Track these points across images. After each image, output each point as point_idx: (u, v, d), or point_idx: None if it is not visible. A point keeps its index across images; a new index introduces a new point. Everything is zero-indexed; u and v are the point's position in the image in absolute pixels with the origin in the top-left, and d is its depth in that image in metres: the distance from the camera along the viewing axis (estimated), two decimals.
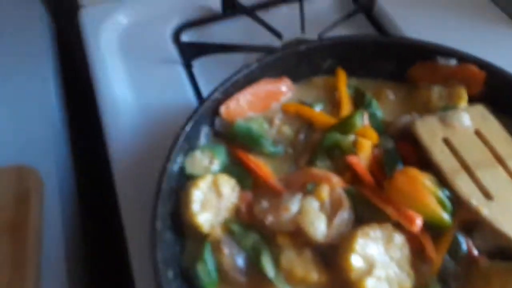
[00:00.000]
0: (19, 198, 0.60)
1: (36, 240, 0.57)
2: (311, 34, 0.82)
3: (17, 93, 0.73)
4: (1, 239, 0.57)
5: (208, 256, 0.52)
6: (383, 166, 0.57)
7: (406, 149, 0.58)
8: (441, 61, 0.65)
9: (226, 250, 0.52)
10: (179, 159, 0.57)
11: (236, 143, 0.61)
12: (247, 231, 0.54)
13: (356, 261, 0.49)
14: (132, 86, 0.76)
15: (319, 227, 0.52)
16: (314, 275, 0.51)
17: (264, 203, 0.54)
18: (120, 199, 0.63)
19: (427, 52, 0.66)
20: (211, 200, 0.54)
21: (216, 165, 0.58)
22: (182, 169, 0.58)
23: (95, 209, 0.72)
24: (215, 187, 0.55)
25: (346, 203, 0.53)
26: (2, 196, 0.60)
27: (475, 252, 0.52)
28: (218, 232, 0.53)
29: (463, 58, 0.64)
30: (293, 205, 0.53)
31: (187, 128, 0.58)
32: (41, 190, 0.62)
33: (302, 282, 0.51)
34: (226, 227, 0.54)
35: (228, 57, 0.79)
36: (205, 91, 0.76)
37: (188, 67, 0.80)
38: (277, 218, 0.53)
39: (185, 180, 0.57)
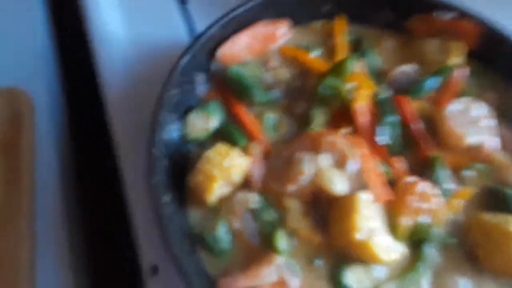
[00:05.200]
0: (11, 119, 0.60)
1: (30, 157, 0.58)
2: None
3: (4, 15, 0.71)
4: None
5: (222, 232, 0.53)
6: (375, 117, 0.58)
7: (401, 101, 0.59)
8: (438, 14, 0.65)
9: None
10: (178, 126, 0.58)
11: (230, 92, 0.60)
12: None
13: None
14: (124, 16, 0.73)
15: (338, 183, 0.53)
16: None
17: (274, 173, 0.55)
18: (112, 125, 0.63)
19: (426, 5, 0.66)
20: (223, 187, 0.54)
21: (214, 123, 0.59)
22: (183, 136, 0.58)
23: (86, 136, 0.72)
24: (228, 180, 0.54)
25: (350, 152, 0.54)
26: None
27: None
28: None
29: (461, 13, 0.64)
30: (307, 167, 0.53)
31: (184, 61, 0.57)
32: (33, 112, 0.62)
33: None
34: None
35: None
36: (198, 23, 0.74)
37: (183, 2, 0.77)
38: (297, 185, 0.53)
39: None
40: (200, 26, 0.74)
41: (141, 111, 0.64)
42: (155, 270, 0.55)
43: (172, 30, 0.73)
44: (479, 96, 0.62)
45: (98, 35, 0.70)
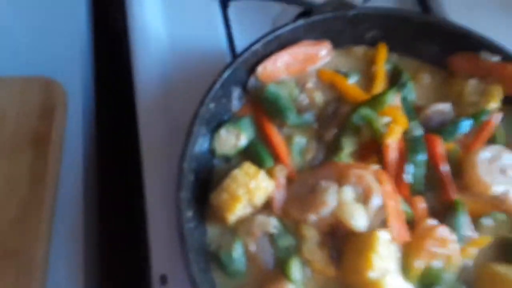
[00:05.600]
0: (44, 110, 0.60)
1: (57, 154, 0.58)
2: None
3: (48, 8, 0.72)
4: (23, 152, 0.57)
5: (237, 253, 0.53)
6: (404, 154, 0.57)
7: (434, 141, 0.58)
8: (485, 55, 0.64)
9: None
10: (207, 140, 0.58)
11: (263, 111, 0.60)
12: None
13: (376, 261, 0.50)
14: (166, 18, 0.73)
15: (359, 218, 0.52)
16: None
17: (297, 199, 0.55)
18: (141, 131, 0.63)
19: (473, 43, 0.64)
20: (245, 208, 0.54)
21: (243, 140, 0.58)
22: (211, 151, 0.58)
23: (114, 136, 0.72)
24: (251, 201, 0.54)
25: (376, 188, 0.53)
26: (28, 106, 0.60)
27: None
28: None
29: (508, 57, 0.63)
30: (330, 198, 0.53)
31: (225, 75, 0.57)
32: (65, 106, 0.62)
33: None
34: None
35: (265, 5, 0.76)
36: (237, 35, 0.74)
37: (224, 7, 0.77)
38: (318, 216, 0.53)
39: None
40: (237, 33, 0.74)
41: (172, 116, 0.64)
42: (164, 280, 0.55)
43: (212, 36, 0.73)
44: (506, 143, 0.61)
45: (138, 34, 0.70)
